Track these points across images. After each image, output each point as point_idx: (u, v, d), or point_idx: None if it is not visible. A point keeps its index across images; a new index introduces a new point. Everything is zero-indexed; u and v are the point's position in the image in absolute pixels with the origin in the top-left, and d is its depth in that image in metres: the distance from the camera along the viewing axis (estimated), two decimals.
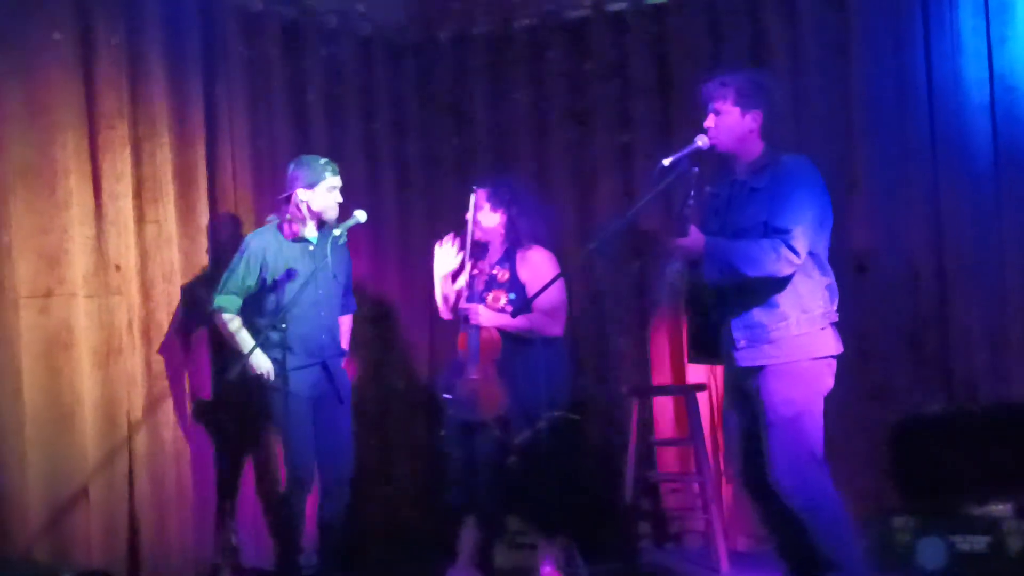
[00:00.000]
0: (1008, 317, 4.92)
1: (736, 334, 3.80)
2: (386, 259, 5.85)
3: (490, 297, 4.81)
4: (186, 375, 4.91)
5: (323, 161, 4.75)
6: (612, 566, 5.09)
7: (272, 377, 4.56)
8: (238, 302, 4.67)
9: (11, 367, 4.42)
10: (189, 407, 4.91)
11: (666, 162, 3.80)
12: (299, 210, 4.70)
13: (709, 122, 3.87)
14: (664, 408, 5.59)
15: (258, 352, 4.54)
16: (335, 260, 4.63)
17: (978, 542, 4.31)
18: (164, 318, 4.83)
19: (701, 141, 3.84)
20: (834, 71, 5.24)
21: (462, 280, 4.90)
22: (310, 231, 4.76)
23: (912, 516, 4.44)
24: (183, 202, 4.94)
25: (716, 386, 5.39)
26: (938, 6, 5.05)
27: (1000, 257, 4.95)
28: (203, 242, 5.01)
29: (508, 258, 4.87)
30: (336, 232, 4.60)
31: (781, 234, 3.71)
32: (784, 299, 3.77)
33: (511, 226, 4.87)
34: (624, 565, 5.14)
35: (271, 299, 4.66)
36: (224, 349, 4.79)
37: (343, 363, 4.90)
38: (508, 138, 5.99)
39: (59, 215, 4.53)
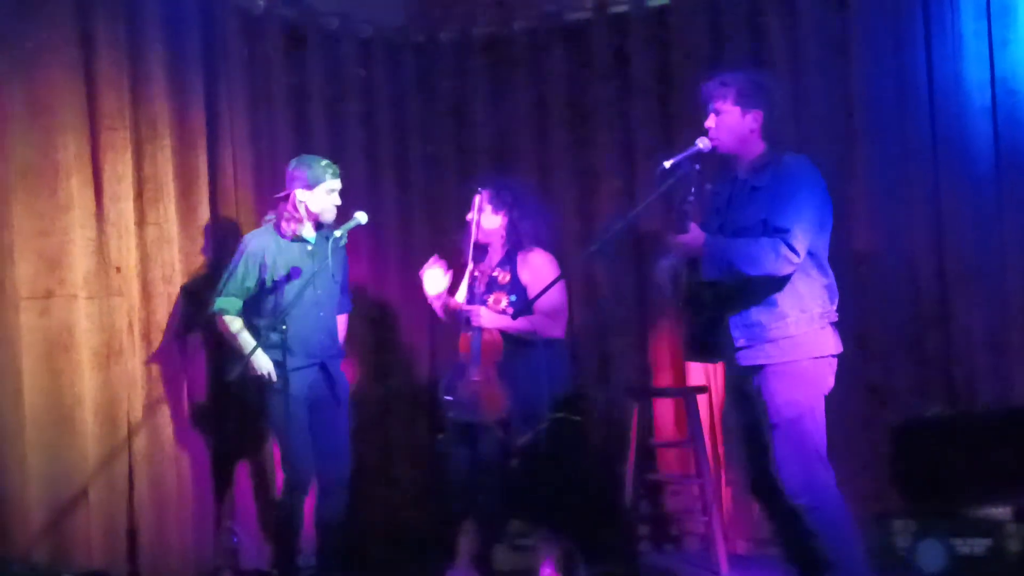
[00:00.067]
0: (1009, 319, 4.91)
1: (735, 333, 3.80)
2: (387, 260, 5.85)
3: (491, 299, 4.81)
4: (186, 377, 4.91)
5: (324, 162, 4.74)
6: (612, 568, 5.08)
7: (274, 377, 4.56)
8: (239, 304, 4.67)
9: (11, 368, 4.42)
10: (189, 409, 4.91)
11: (667, 164, 3.79)
12: (296, 210, 4.70)
13: (710, 122, 3.87)
14: (664, 410, 5.58)
15: (259, 352, 4.53)
16: (334, 261, 4.62)
17: (978, 545, 4.30)
18: (164, 320, 4.83)
19: (702, 143, 3.83)
20: (834, 71, 5.23)
21: (460, 295, 4.91)
22: (307, 231, 4.75)
23: (912, 518, 4.43)
24: (184, 204, 4.95)
25: (716, 388, 5.39)
26: (939, 7, 5.04)
27: (1001, 259, 4.94)
28: (204, 244, 5.01)
29: (509, 260, 4.86)
30: (337, 234, 4.59)
31: (781, 233, 3.71)
32: (783, 298, 3.77)
33: (512, 228, 4.86)
34: (624, 567, 5.13)
35: (270, 300, 4.65)
36: (223, 350, 4.79)
37: (342, 364, 4.90)
38: (509, 139, 5.98)
39: (60, 217, 4.53)
